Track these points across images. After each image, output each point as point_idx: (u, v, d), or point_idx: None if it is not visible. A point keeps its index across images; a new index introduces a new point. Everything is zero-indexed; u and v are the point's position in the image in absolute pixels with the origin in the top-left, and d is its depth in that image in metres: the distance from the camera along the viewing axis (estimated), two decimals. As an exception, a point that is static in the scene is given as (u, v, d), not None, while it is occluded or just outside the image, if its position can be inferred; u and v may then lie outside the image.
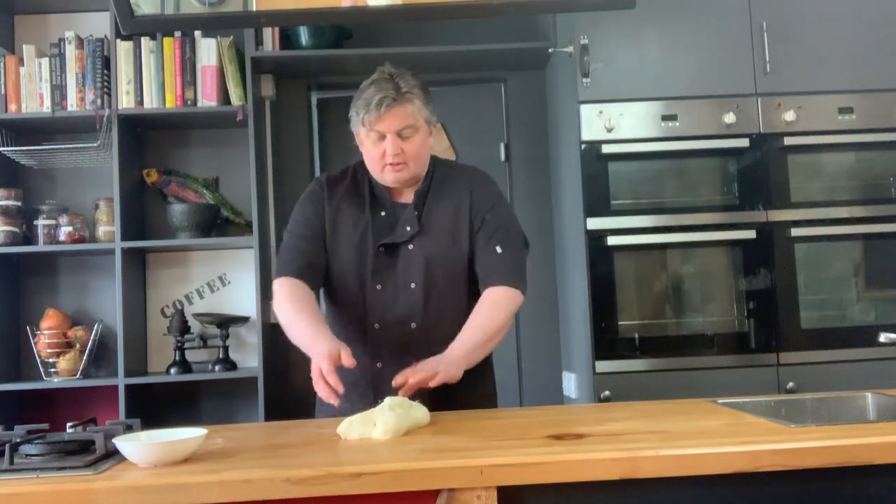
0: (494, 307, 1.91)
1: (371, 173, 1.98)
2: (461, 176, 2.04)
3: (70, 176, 3.25)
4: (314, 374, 1.69)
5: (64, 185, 3.25)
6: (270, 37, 3.07)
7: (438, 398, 1.81)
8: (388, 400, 1.62)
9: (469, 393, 1.93)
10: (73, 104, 3.00)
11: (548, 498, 1.28)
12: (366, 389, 1.93)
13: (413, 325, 1.92)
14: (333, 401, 1.67)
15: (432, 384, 1.75)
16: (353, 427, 1.56)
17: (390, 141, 1.88)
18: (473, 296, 1.96)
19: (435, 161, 2.04)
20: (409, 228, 1.94)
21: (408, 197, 1.99)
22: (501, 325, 1.91)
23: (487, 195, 2.01)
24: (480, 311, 1.89)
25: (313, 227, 1.98)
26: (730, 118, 2.71)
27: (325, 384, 1.66)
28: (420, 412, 1.66)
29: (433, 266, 1.92)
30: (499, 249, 1.94)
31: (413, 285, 1.92)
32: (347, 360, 1.70)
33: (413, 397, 1.73)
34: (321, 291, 2.05)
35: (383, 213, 1.98)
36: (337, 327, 1.96)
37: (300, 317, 1.86)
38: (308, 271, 1.94)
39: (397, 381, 1.74)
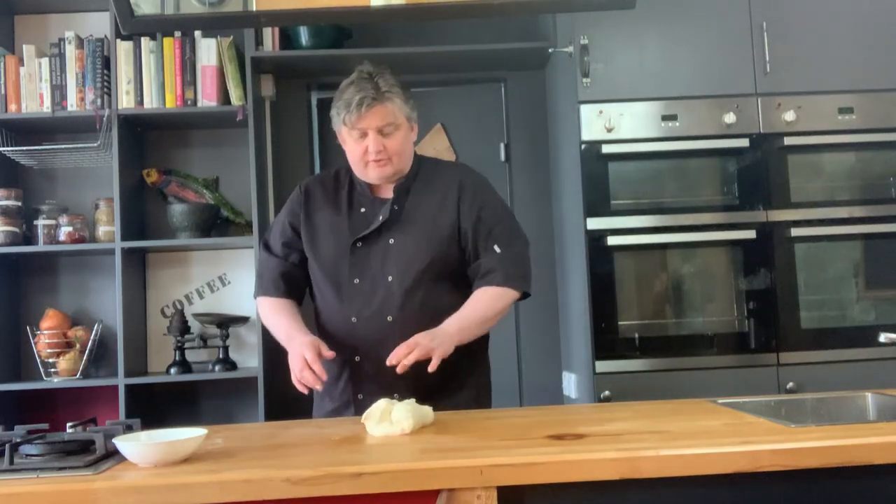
0: (492, 297, 1.93)
1: (355, 171, 2.02)
2: (448, 170, 2.08)
3: (70, 176, 3.24)
4: (297, 363, 1.80)
5: (64, 185, 3.25)
6: (270, 37, 3.07)
7: (433, 384, 1.83)
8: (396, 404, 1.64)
9: (463, 380, 1.95)
10: (73, 104, 3.00)
11: (548, 498, 1.28)
12: (346, 384, 1.97)
13: (389, 318, 1.93)
14: (318, 387, 1.78)
15: (431, 368, 1.76)
16: (373, 424, 1.60)
17: (372, 138, 1.92)
18: (455, 291, 1.97)
19: (420, 159, 2.08)
20: (381, 217, 1.96)
21: (389, 193, 2.01)
22: (498, 312, 1.94)
23: (480, 192, 2.02)
24: (482, 296, 1.93)
25: (287, 236, 2.06)
26: (730, 118, 2.71)
27: (310, 372, 1.76)
28: (426, 409, 1.67)
29: (411, 260, 1.94)
30: (497, 249, 1.95)
31: (390, 278, 1.94)
32: (327, 351, 1.81)
33: (405, 389, 1.76)
34: (309, 293, 2.11)
35: (363, 210, 2.01)
36: (320, 324, 2.03)
37: (279, 317, 1.99)
38: (284, 286, 2.03)
39: (391, 360, 1.76)
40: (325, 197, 2.06)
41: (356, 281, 1.96)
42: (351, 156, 1.99)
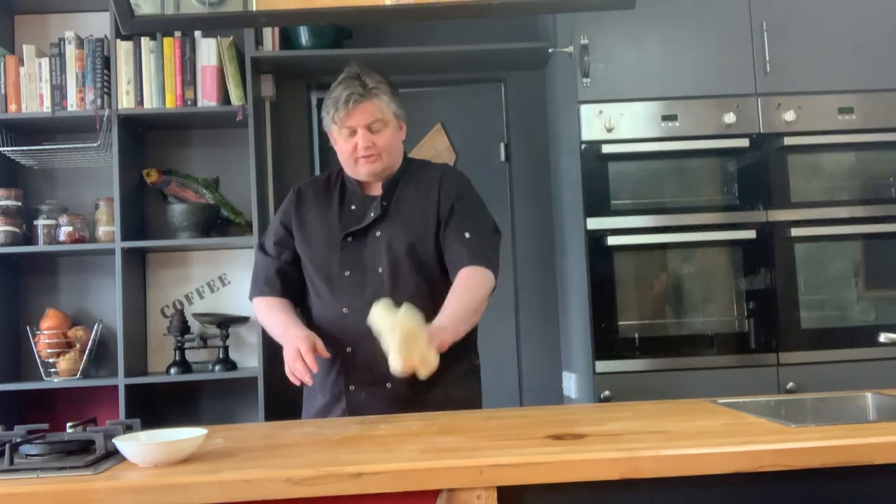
0: (470, 284, 1.94)
1: (345, 169, 2.07)
2: (432, 169, 2.13)
3: (70, 176, 3.24)
4: (291, 355, 1.83)
5: (64, 185, 3.25)
6: (270, 37, 3.07)
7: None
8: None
9: (451, 369, 1.93)
10: (73, 104, 3.00)
11: (548, 498, 1.28)
12: (337, 376, 1.99)
13: None
14: (308, 380, 1.81)
15: (423, 375, 1.75)
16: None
17: (361, 134, 1.96)
18: (442, 282, 1.99)
19: (409, 160, 2.13)
20: (372, 214, 2.01)
21: (378, 190, 2.06)
22: (480, 301, 1.94)
23: (455, 186, 2.06)
24: (457, 289, 1.93)
25: (280, 236, 2.10)
26: (730, 118, 2.71)
27: (302, 363, 1.79)
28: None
29: (398, 250, 1.98)
30: (467, 235, 1.98)
31: (380, 269, 1.98)
32: (322, 349, 1.85)
33: (396, 377, 1.76)
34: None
35: (353, 207, 2.06)
36: (313, 320, 2.06)
37: (273, 313, 2.03)
38: (279, 284, 2.08)
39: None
40: (316, 197, 2.11)
41: (347, 273, 2.00)
42: (341, 154, 2.04)
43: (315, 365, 1.81)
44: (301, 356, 1.80)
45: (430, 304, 1.91)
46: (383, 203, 2.02)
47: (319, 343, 1.86)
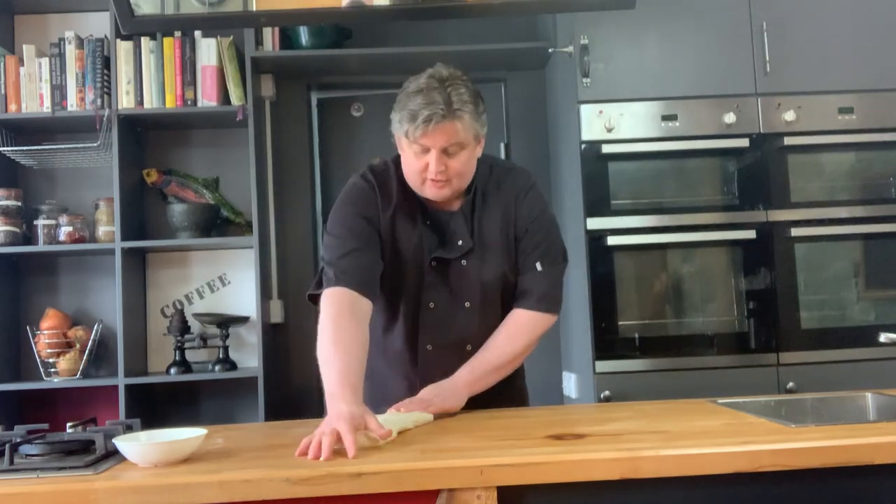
0: (515, 334, 1.82)
1: (408, 182, 1.81)
2: (507, 183, 1.89)
3: (70, 176, 3.25)
4: (325, 430, 1.39)
5: (64, 185, 3.25)
6: (270, 37, 3.07)
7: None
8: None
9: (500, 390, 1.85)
10: (73, 104, 3.00)
11: (548, 498, 1.28)
12: None
13: (469, 347, 1.82)
14: (312, 458, 1.35)
15: (430, 410, 1.69)
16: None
17: (434, 157, 1.71)
18: None
19: (485, 163, 1.88)
20: (461, 243, 1.80)
21: (452, 204, 1.84)
22: (519, 352, 1.84)
23: (532, 205, 1.87)
24: (499, 336, 1.82)
25: (368, 232, 1.78)
26: (730, 118, 2.71)
27: (330, 444, 1.35)
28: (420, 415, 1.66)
29: (487, 285, 1.82)
30: (539, 267, 1.84)
31: (468, 304, 1.82)
32: (376, 427, 1.44)
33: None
34: None
35: (429, 222, 1.83)
36: (384, 346, 1.86)
37: (335, 356, 1.61)
38: (366, 284, 1.72)
39: (390, 411, 1.67)
40: (397, 197, 1.82)
41: (431, 305, 1.82)
42: (407, 168, 1.78)
43: (353, 450, 1.34)
44: (335, 436, 1.37)
45: None
46: (467, 226, 1.82)
47: (373, 422, 1.45)
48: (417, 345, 1.83)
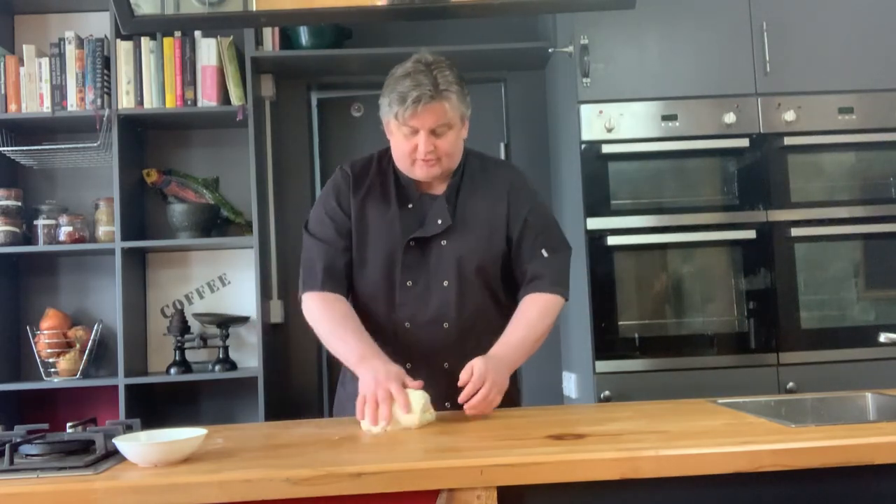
0: (542, 314, 1.86)
1: (398, 166, 1.89)
2: (497, 173, 1.97)
3: (70, 176, 3.25)
4: (380, 395, 1.58)
5: (64, 185, 3.25)
6: (270, 37, 3.07)
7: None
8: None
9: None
10: (73, 104, 3.00)
11: (548, 498, 1.28)
12: None
13: (446, 324, 1.86)
14: (382, 427, 1.57)
15: (489, 409, 1.69)
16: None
17: (423, 137, 1.80)
18: (508, 297, 1.93)
19: (467, 152, 1.97)
20: (440, 222, 1.87)
21: (436, 189, 1.91)
22: (545, 331, 1.87)
23: (526, 196, 1.94)
24: (529, 315, 1.84)
25: (337, 225, 1.89)
26: (730, 118, 2.71)
27: (389, 406, 1.57)
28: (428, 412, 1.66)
29: (467, 264, 1.86)
30: (545, 253, 1.89)
31: (446, 283, 1.86)
32: (413, 382, 1.63)
33: (455, 396, 1.69)
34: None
35: (410, 206, 1.90)
36: (365, 325, 1.89)
37: (344, 332, 1.79)
38: (334, 281, 1.86)
39: (463, 398, 1.66)
40: (371, 185, 1.91)
41: (409, 284, 1.86)
42: (397, 150, 1.86)
43: (408, 407, 1.58)
44: (390, 398, 1.57)
45: (497, 323, 1.86)
46: (448, 207, 1.88)
47: (408, 378, 1.65)
48: (396, 323, 1.87)
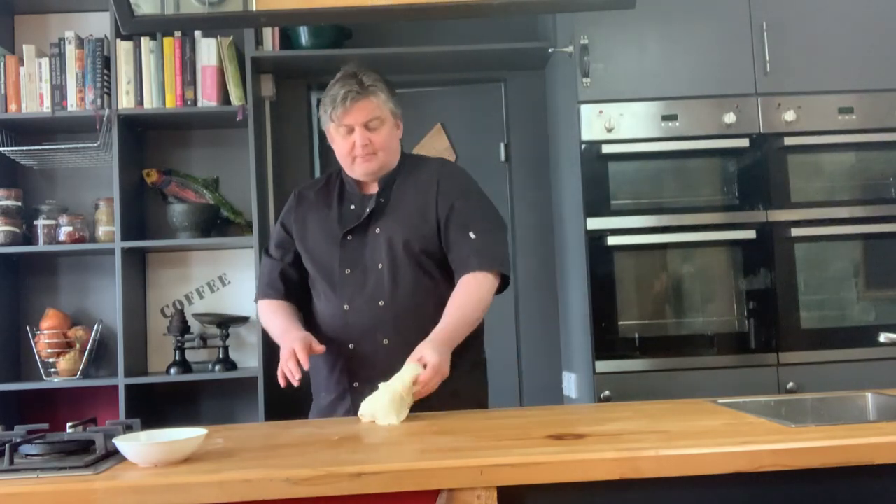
0: (472, 293, 1.95)
1: (343, 168, 2.08)
2: (428, 166, 2.13)
3: (70, 176, 3.25)
4: (285, 354, 1.84)
5: (64, 185, 3.25)
6: (270, 37, 3.07)
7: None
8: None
9: (457, 364, 1.90)
10: (73, 104, 3.00)
11: (548, 498, 1.28)
12: (340, 374, 2.00)
13: (381, 303, 1.97)
14: (295, 380, 1.82)
15: (432, 389, 1.79)
16: (367, 415, 1.75)
17: (358, 133, 1.98)
18: (445, 278, 2.01)
19: (406, 156, 2.14)
20: (368, 209, 2.02)
21: (376, 188, 2.07)
22: (478, 308, 1.96)
23: (456, 183, 2.06)
24: (460, 297, 1.95)
25: (281, 237, 2.13)
26: (730, 118, 2.71)
27: (294, 362, 1.81)
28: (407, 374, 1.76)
29: (397, 247, 1.98)
30: (472, 235, 1.98)
31: (380, 266, 1.99)
32: (317, 345, 1.87)
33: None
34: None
35: (353, 206, 2.07)
36: (315, 319, 2.08)
37: (275, 316, 2.06)
38: (274, 290, 2.10)
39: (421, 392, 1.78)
40: (316, 198, 2.13)
41: (347, 271, 2.01)
42: (339, 152, 2.05)
43: (307, 363, 1.81)
44: (294, 355, 1.82)
45: (431, 300, 1.96)
46: (380, 199, 2.03)
47: (315, 342, 1.88)
48: (339, 307, 2.01)
